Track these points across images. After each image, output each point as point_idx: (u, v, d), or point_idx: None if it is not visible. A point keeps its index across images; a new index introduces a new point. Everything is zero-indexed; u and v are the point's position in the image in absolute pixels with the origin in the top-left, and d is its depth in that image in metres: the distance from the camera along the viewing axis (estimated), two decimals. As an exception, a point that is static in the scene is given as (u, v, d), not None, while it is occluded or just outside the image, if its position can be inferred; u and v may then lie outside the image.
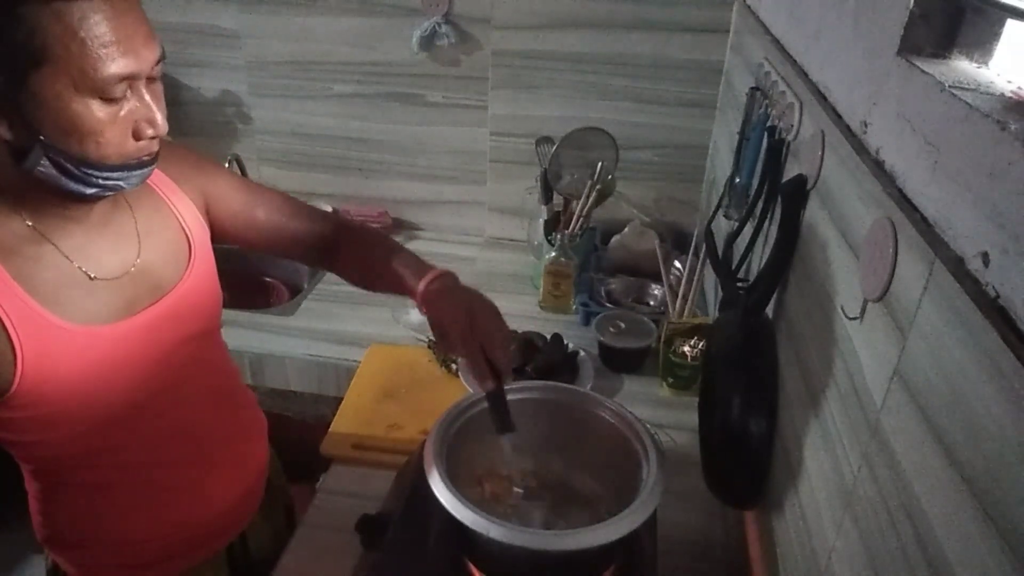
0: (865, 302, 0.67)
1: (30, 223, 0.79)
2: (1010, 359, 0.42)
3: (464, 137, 1.91)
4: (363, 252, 1.05)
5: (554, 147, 1.74)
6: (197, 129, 2.00)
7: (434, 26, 1.75)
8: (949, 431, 0.50)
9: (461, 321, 0.88)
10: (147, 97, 0.76)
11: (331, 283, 1.79)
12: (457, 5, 1.75)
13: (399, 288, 0.98)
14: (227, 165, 1.91)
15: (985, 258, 0.47)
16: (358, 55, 1.85)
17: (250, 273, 1.92)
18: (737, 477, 0.95)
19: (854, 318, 0.69)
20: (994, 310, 0.45)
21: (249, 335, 1.58)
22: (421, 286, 0.94)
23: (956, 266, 0.50)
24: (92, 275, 0.83)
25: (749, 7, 1.47)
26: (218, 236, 1.01)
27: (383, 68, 1.85)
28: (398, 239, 1.90)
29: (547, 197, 1.77)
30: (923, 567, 0.52)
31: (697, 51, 1.71)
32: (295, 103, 1.94)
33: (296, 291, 1.87)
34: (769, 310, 0.98)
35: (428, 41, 1.78)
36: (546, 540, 0.75)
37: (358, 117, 1.93)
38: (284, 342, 1.57)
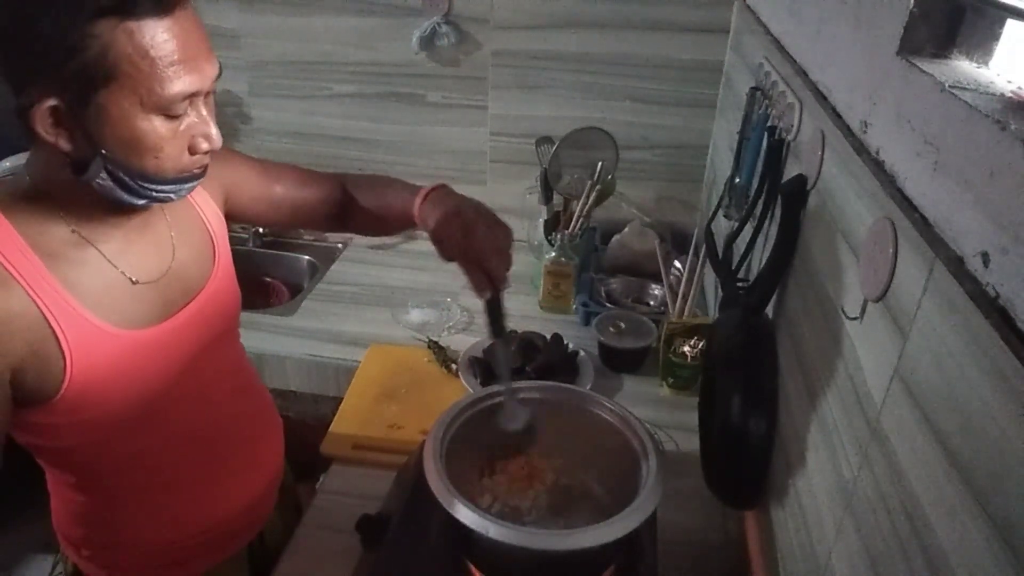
0: (865, 302, 0.67)
1: (73, 229, 0.79)
2: (1010, 359, 0.42)
3: (464, 137, 1.91)
4: (368, 199, 1.06)
5: (554, 147, 1.74)
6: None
7: (434, 26, 1.75)
8: (949, 431, 0.50)
9: (455, 229, 0.87)
10: (204, 112, 0.77)
11: (331, 283, 1.79)
12: (457, 5, 1.75)
13: (404, 219, 0.98)
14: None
15: (985, 258, 0.47)
16: (358, 55, 1.85)
17: (250, 273, 1.91)
18: (737, 477, 0.95)
19: (854, 318, 0.69)
20: (994, 310, 0.45)
21: (249, 335, 1.55)
22: (416, 205, 0.94)
23: (956, 266, 0.50)
24: (134, 279, 0.83)
25: (749, 7, 1.47)
26: (240, 219, 1.02)
27: (383, 68, 1.85)
28: (398, 238, 1.92)
29: (547, 197, 1.76)
30: (923, 566, 0.52)
31: (697, 51, 1.71)
32: (295, 103, 1.94)
33: (296, 291, 1.87)
34: (769, 310, 0.98)
35: (428, 41, 1.78)
36: (546, 540, 0.75)
37: (358, 117, 1.93)
38: (284, 342, 1.57)
